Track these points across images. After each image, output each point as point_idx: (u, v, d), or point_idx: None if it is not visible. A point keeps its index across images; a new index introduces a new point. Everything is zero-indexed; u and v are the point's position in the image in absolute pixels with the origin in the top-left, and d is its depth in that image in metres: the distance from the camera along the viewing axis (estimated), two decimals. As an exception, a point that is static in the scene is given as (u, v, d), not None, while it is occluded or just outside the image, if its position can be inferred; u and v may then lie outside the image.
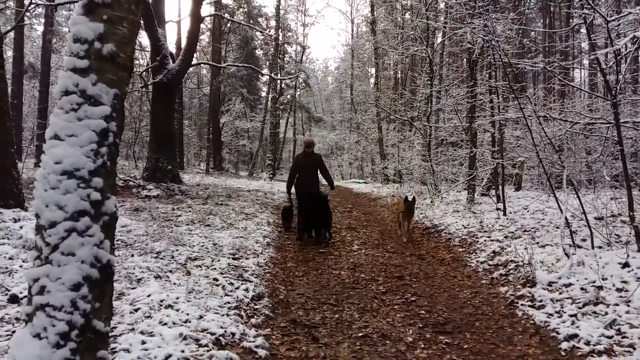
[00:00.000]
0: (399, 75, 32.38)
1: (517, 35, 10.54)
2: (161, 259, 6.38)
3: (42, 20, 24.90)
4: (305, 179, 9.37)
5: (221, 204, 12.51)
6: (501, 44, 8.11)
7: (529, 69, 9.68)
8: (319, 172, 9.54)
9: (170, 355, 3.67)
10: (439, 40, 21.06)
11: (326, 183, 10.15)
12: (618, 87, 6.05)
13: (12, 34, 20.27)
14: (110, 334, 2.28)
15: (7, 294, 4.72)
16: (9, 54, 25.28)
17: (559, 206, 7.11)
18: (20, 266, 5.54)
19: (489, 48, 10.85)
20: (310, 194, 9.34)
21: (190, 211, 10.66)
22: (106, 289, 1.90)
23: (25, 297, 4.74)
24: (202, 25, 19.92)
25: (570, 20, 21.51)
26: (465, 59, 20.34)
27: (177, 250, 6.88)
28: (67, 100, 1.94)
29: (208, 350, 3.85)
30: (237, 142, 38.12)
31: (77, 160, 1.86)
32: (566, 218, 6.71)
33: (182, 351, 3.76)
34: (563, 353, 4.20)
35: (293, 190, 9.67)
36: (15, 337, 1.80)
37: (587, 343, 4.23)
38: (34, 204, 1.86)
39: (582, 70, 27.46)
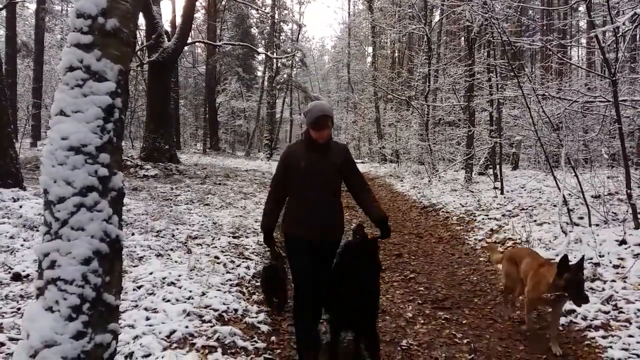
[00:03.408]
0: (396, 54, 32.13)
1: (516, 13, 10.46)
2: (162, 237, 6.42)
3: (35, -2, 24.49)
4: (315, 207, 3.61)
5: (219, 184, 12.52)
6: (500, 22, 8.05)
7: (527, 47, 9.62)
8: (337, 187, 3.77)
9: (174, 331, 3.73)
10: (437, 18, 20.86)
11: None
12: (617, 65, 6.05)
13: (3, 13, 19.95)
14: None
15: (10, 272, 4.76)
16: (0, 32, 24.95)
17: (557, 184, 7.15)
18: (22, 245, 5.57)
19: (487, 26, 10.78)
20: (331, 244, 3.75)
21: (189, 190, 10.67)
22: (115, 263, 1.92)
23: (27, 275, 4.79)
24: (196, 3, 19.65)
25: (569, -2, 21.30)
26: (463, 38, 20.21)
27: (177, 229, 6.91)
28: (72, 76, 1.93)
29: (212, 326, 3.90)
30: (233, 122, 37.97)
31: (83, 136, 1.87)
32: (564, 196, 6.76)
33: (186, 327, 3.81)
34: (561, 328, 4.27)
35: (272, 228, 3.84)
36: (27, 311, 1.83)
37: (585, 318, 4.31)
38: (41, 180, 1.86)
39: (580, 49, 27.32)
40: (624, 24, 5.30)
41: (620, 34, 5.92)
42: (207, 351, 3.57)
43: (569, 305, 4.60)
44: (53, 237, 1.81)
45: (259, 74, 39.56)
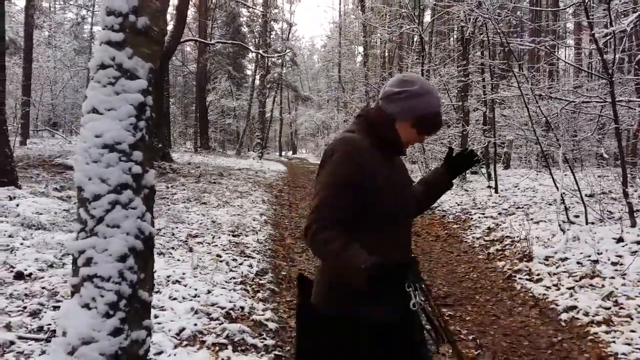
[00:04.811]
0: (387, 54, 32.20)
1: (510, 14, 10.57)
2: (162, 236, 6.39)
3: (23, -6, 24.17)
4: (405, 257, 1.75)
5: (214, 182, 12.49)
6: (496, 22, 8.13)
7: (515, 48, 9.72)
8: None
9: (183, 329, 3.73)
10: (428, 18, 20.97)
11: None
12: (614, 66, 6.16)
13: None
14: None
15: (12, 271, 4.71)
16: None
17: (555, 183, 7.26)
18: (21, 243, 5.51)
19: (482, 26, 10.88)
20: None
21: (184, 189, 10.63)
22: (149, 260, 1.94)
23: (30, 274, 4.75)
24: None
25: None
26: (453, 38, 20.34)
27: (176, 227, 6.89)
28: (104, 73, 1.93)
29: (220, 324, 3.91)
30: (223, 121, 37.75)
31: (117, 134, 1.87)
32: (562, 195, 6.86)
33: (195, 325, 3.82)
34: (563, 323, 4.35)
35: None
36: (63, 309, 1.83)
37: (586, 314, 4.39)
38: (75, 177, 1.87)
39: (566, 50, 27.62)
40: (628, 25, 5.39)
41: (619, 35, 6.02)
42: (217, 348, 3.59)
43: (570, 301, 4.69)
44: (88, 234, 1.81)
45: (249, 72, 39.40)
